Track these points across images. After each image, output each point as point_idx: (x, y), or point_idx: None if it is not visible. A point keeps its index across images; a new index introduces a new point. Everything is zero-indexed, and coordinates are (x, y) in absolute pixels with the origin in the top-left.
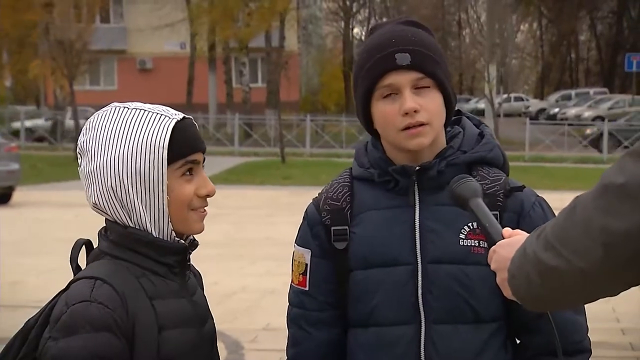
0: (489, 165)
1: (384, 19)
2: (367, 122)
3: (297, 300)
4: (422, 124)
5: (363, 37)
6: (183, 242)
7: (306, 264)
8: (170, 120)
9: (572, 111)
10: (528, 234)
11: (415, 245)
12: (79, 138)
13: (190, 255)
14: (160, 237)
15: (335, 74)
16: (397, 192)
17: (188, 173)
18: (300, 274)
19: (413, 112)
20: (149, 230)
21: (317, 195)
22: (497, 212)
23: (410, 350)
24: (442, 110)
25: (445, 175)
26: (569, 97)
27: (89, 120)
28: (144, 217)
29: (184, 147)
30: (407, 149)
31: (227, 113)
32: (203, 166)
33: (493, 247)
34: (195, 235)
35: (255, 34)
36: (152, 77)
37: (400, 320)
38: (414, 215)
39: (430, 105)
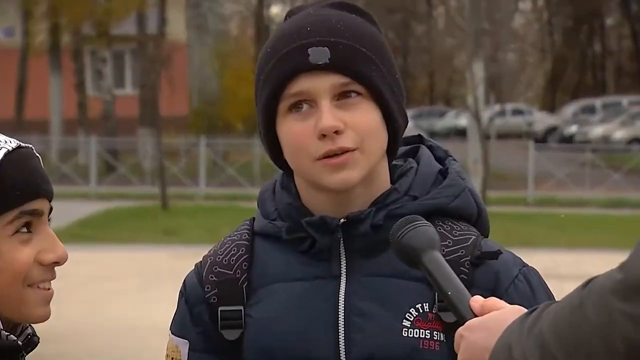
0: (454, 218)
1: None
2: (273, 148)
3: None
4: (347, 151)
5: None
6: (15, 338)
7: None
8: None
9: (597, 130)
10: (511, 310)
11: (338, 334)
12: None
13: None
14: None
15: (244, 75)
16: (315, 256)
17: (24, 230)
18: None
19: (333, 134)
20: None
21: (200, 260)
22: None
23: None
24: (381, 130)
25: (384, 231)
26: (592, 110)
27: None
28: None
29: (17, 191)
30: (327, 189)
31: (79, 134)
32: (49, 219)
33: (460, 329)
34: (34, 325)
35: (121, 15)
36: None
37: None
38: (338, 291)
39: (360, 123)
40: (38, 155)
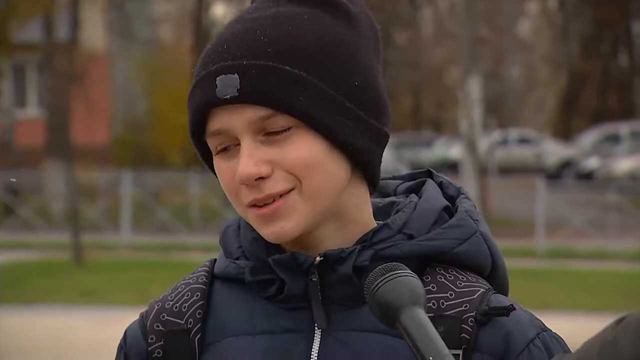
0: (460, 267)
1: None
2: None
3: None
4: (280, 195)
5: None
6: None
7: None
8: None
9: (623, 164)
10: None
11: None
12: None
13: None
14: None
15: (180, 95)
16: (285, 303)
17: None
18: None
19: (257, 181)
20: None
21: (146, 308)
22: (460, 352)
23: None
24: (327, 162)
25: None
26: (615, 138)
27: None
28: None
29: None
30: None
31: None
32: None
33: None
34: None
35: (24, 17)
36: None
37: None
38: (310, 350)
39: (292, 160)
40: None
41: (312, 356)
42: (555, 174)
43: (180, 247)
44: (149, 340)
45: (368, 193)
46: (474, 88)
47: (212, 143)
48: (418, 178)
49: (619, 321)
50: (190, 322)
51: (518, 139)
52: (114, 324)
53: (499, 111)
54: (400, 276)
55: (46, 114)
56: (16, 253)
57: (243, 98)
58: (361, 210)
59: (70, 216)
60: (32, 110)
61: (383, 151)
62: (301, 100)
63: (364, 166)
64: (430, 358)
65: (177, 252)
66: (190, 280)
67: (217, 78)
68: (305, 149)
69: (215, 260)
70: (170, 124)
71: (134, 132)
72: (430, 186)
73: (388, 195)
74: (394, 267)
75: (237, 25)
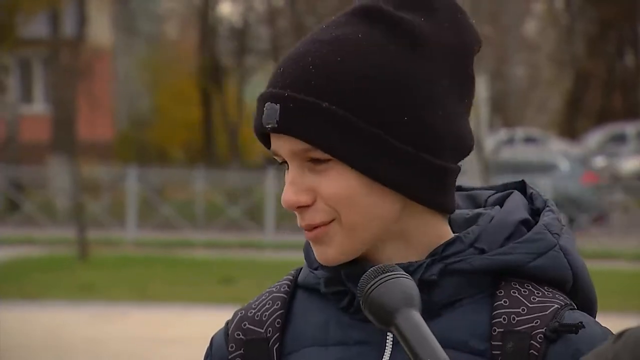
0: (537, 281)
1: None
2: None
3: None
4: (319, 226)
5: (238, 20)
6: None
7: None
8: None
9: (629, 164)
10: None
11: None
12: None
13: None
14: None
15: (183, 91)
16: (357, 314)
17: None
18: None
19: (299, 209)
20: None
21: (234, 313)
22: None
23: None
24: (363, 196)
25: (440, 290)
26: (622, 138)
27: None
28: None
29: None
30: None
31: None
32: None
33: None
34: None
35: (29, 12)
36: None
37: None
38: None
39: (328, 194)
40: None
41: None
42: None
43: (184, 243)
44: (229, 349)
45: (438, 216)
46: (480, 87)
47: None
48: (511, 188)
49: (618, 337)
50: (270, 331)
51: (524, 138)
52: (113, 319)
53: (503, 111)
54: (393, 278)
55: (51, 110)
56: (20, 248)
57: (281, 130)
58: (427, 233)
59: (74, 212)
60: (38, 106)
61: (448, 183)
62: (336, 137)
63: (417, 200)
64: None
65: (181, 249)
66: (274, 289)
67: (266, 105)
68: (342, 184)
69: (301, 269)
70: (173, 121)
71: (137, 129)
72: (514, 198)
73: (480, 206)
74: (388, 269)
75: (300, 47)
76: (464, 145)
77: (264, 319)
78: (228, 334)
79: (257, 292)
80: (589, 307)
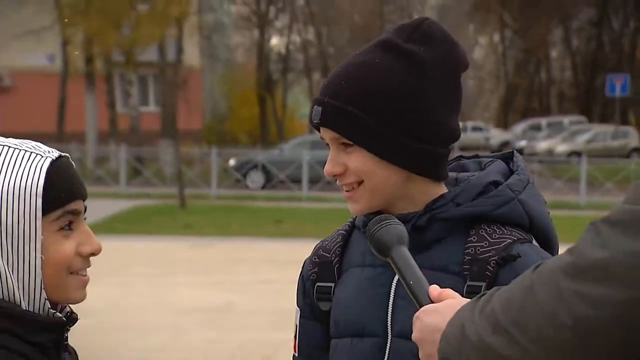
0: (503, 224)
1: (309, 27)
2: None
3: None
4: (350, 187)
5: (283, 50)
6: (60, 315)
7: (296, 325)
8: (44, 159)
9: (542, 145)
10: (464, 300)
11: (387, 314)
12: None
13: (68, 333)
14: (31, 309)
15: (247, 97)
16: None
17: (67, 227)
18: (293, 337)
19: (334, 176)
20: (17, 299)
21: (315, 245)
22: (484, 284)
23: None
24: (380, 169)
25: (429, 232)
26: (538, 128)
27: None
28: (11, 283)
29: (62, 193)
30: None
31: (111, 144)
32: (85, 217)
33: (416, 313)
34: (72, 305)
35: (145, 44)
36: (11, 97)
37: None
38: (392, 279)
39: (354, 167)
40: (72, 163)
41: (392, 283)
42: (497, 151)
43: (250, 197)
44: (309, 268)
45: (434, 181)
46: None
47: None
48: (505, 157)
49: (535, 268)
50: (333, 255)
51: (472, 127)
52: (204, 248)
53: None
54: (390, 224)
55: (160, 109)
56: (141, 200)
57: (322, 125)
58: (426, 193)
59: (176, 176)
60: (151, 107)
61: (439, 161)
62: (357, 131)
63: (416, 174)
64: (411, 282)
65: (247, 201)
66: (340, 228)
67: (314, 106)
68: (362, 161)
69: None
70: (240, 117)
71: (217, 122)
72: (495, 165)
73: (483, 169)
74: (387, 218)
75: (339, 68)
76: (452, 135)
77: (331, 248)
78: (310, 259)
79: (298, 230)
80: (547, 241)
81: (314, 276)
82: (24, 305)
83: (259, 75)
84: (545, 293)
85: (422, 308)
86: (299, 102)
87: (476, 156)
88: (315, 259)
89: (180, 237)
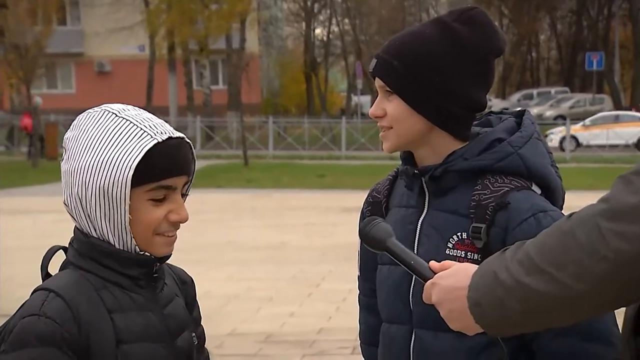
0: (505, 175)
1: (346, 20)
2: None
3: (358, 283)
4: (385, 129)
5: (324, 38)
6: (149, 254)
7: (358, 251)
8: (151, 140)
9: (534, 110)
10: (470, 263)
11: (414, 247)
12: (66, 132)
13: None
14: (123, 249)
15: (296, 76)
16: (413, 192)
17: (160, 198)
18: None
19: (376, 117)
20: (112, 242)
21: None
22: (484, 225)
23: (403, 351)
24: (408, 117)
25: (444, 180)
26: (530, 97)
27: (78, 117)
28: (106, 230)
29: (158, 170)
30: None
31: (188, 116)
32: (187, 193)
33: (431, 280)
34: None
35: (215, 35)
36: (110, 80)
37: (397, 319)
38: (419, 218)
39: (390, 112)
40: (189, 142)
41: (419, 222)
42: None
43: (298, 157)
44: (365, 206)
45: (455, 138)
46: None
47: None
48: (518, 115)
49: (569, 217)
50: (382, 197)
51: None
52: (263, 198)
53: None
54: (379, 223)
55: (227, 87)
56: (213, 160)
57: (374, 74)
58: (444, 146)
59: (241, 141)
60: (221, 85)
61: (460, 122)
62: (397, 82)
63: (439, 126)
64: (412, 262)
65: (297, 160)
66: (390, 173)
67: (373, 59)
68: (394, 107)
69: None
70: (290, 92)
71: (272, 97)
72: (504, 123)
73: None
74: (375, 219)
75: (400, 33)
76: (478, 105)
77: (381, 190)
78: (366, 198)
79: (337, 183)
80: (548, 187)
81: (368, 213)
82: (117, 246)
83: (305, 58)
84: (584, 234)
85: (437, 275)
86: (338, 79)
87: (502, 112)
88: (370, 199)
89: (244, 189)
